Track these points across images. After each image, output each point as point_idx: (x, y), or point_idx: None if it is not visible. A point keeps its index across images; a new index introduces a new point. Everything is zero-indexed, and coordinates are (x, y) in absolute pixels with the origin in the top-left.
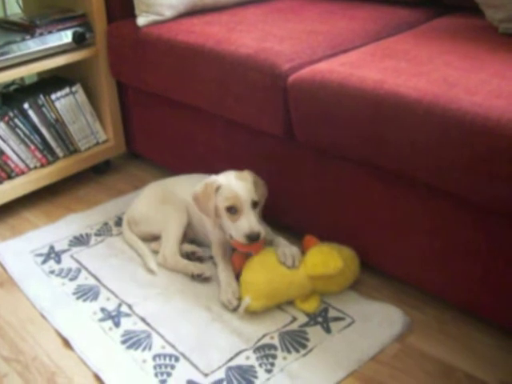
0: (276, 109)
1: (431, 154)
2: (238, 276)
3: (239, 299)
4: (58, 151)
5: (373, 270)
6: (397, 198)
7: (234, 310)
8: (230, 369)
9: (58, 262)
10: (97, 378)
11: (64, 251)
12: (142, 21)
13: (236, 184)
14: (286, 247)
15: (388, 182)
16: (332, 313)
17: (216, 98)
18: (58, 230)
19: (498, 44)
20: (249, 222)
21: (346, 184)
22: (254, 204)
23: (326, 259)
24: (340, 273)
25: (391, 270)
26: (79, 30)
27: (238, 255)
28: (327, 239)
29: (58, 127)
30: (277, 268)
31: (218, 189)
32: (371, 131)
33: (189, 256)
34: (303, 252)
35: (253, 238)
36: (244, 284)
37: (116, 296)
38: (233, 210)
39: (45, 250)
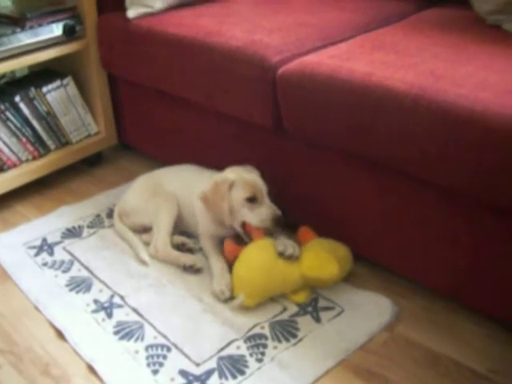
0: (265, 101)
1: (418, 146)
2: (230, 265)
3: (231, 291)
4: (50, 144)
5: (362, 259)
6: (385, 188)
7: (226, 301)
8: (221, 358)
9: (51, 254)
10: (90, 368)
11: (57, 243)
12: (132, 13)
13: (249, 176)
14: (284, 239)
15: (376, 173)
16: (322, 302)
17: (206, 90)
18: (50, 223)
19: (486, 36)
20: (270, 207)
21: (335, 175)
22: (269, 193)
23: (323, 264)
24: (333, 278)
25: (380, 260)
26: (69, 22)
27: (231, 245)
28: (318, 230)
29: (50, 120)
30: (273, 266)
31: (231, 186)
32: (359, 123)
33: (179, 247)
34: (298, 244)
35: (278, 220)
36: (238, 278)
37: (108, 287)
38: (253, 200)
39: (37, 243)
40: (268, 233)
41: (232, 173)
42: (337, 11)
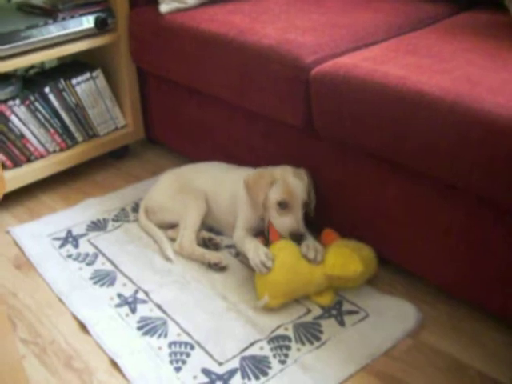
0: (297, 101)
1: (451, 153)
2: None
3: (273, 260)
4: (77, 135)
5: (387, 264)
6: (414, 194)
7: (269, 269)
8: (244, 358)
9: (76, 246)
10: (113, 363)
11: (81, 236)
12: (164, 8)
13: (293, 181)
14: (310, 241)
15: (406, 178)
16: (346, 306)
17: (237, 89)
18: (75, 215)
19: None
20: (296, 220)
21: (364, 178)
22: (305, 205)
23: (347, 262)
24: (359, 276)
25: (406, 265)
26: (101, 15)
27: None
28: (343, 232)
29: (78, 112)
30: (296, 267)
31: (272, 182)
32: (392, 128)
33: (205, 242)
34: (322, 245)
35: (296, 237)
36: (262, 279)
37: (133, 282)
38: (283, 206)
39: (62, 234)
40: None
41: (280, 171)
42: (370, 12)
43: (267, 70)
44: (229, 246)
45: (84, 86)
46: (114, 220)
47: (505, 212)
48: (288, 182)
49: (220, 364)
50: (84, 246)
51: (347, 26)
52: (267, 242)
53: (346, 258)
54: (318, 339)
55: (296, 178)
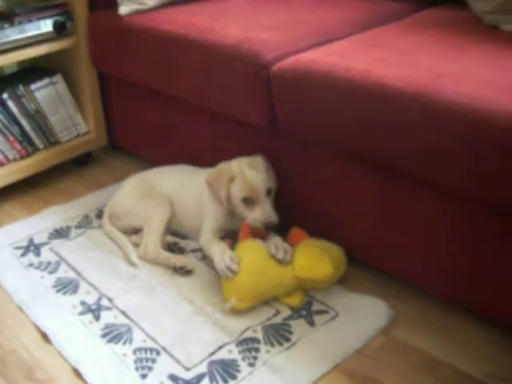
0: (260, 99)
1: (416, 145)
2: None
3: (238, 263)
4: (38, 143)
5: (356, 262)
6: (382, 189)
7: (234, 273)
8: (212, 363)
9: (38, 254)
10: (76, 372)
11: (43, 244)
12: (123, 9)
13: (250, 174)
14: (278, 240)
15: (373, 172)
16: (316, 306)
17: (199, 89)
18: (37, 223)
19: (484, 35)
20: (265, 211)
21: (330, 176)
22: (269, 192)
23: (316, 263)
24: (329, 278)
25: (375, 263)
26: (60, 18)
27: (244, 227)
28: (311, 231)
29: (38, 118)
30: (264, 268)
31: (232, 179)
32: (356, 121)
33: (170, 247)
34: (290, 245)
35: (269, 226)
36: (228, 281)
37: (96, 289)
38: (248, 201)
39: (24, 243)
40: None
41: (237, 165)
42: (334, 10)
43: (228, 69)
44: (194, 250)
45: (44, 92)
46: (77, 227)
47: (473, 204)
48: (246, 177)
49: (187, 369)
50: (46, 255)
51: (310, 23)
52: (230, 244)
53: (315, 260)
54: (288, 340)
55: (252, 169)
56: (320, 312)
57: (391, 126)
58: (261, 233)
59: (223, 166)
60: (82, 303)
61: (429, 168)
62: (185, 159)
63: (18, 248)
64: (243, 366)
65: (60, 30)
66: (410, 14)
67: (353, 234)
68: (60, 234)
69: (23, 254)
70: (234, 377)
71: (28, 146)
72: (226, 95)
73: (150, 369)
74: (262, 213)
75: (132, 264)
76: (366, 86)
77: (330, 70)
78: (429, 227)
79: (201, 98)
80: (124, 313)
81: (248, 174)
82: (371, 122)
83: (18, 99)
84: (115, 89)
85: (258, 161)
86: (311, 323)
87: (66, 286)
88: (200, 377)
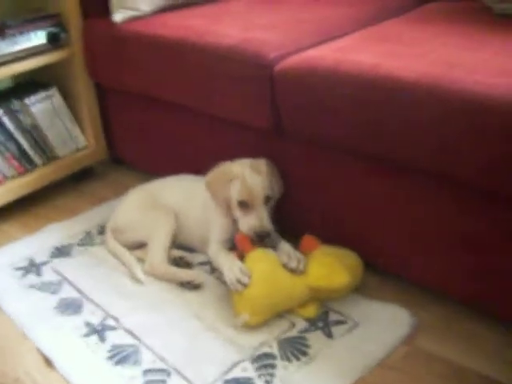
0: (263, 101)
1: (432, 138)
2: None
3: (249, 276)
4: (36, 159)
5: (373, 268)
6: (396, 190)
7: (245, 286)
8: (226, 382)
9: (39, 274)
10: None
11: (44, 263)
12: (118, 17)
13: (250, 178)
14: (289, 249)
15: (386, 173)
16: (333, 316)
17: (200, 94)
18: (37, 242)
19: (494, 25)
20: (259, 218)
21: (340, 178)
22: (267, 199)
23: (331, 273)
24: (345, 287)
25: (393, 268)
26: (53, 30)
27: (244, 238)
28: (324, 238)
29: (35, 133)
30: (276, 279)
31: (231, 180)
32: (367, 118)
33: (177, 261)
34: (302, 254)
35: (261, 236)
36: (239, 295)
37: (101, 309)
38: (244, 205)
39: (24, 263)
40: (270, 246)
41: (238, 166)
42: (335, 7)
43: (229, 72)
44: (203, 263)
45: (40, 106)
46: (79, 244)
47: (493, 200)
48: (246, 180)
49: None
50: (47, 274)
51: (311, 21)
52: (240, 254)
53: (330, 269)
54: (306, 354)
55: (254, 173)
56: (338, 322)
57: (406, 121)
58: (254, 243)
59: (224, 166)
60: (87, 324)
61: (447, 163)
62: (188, 169)
63: (18, 269)
64: None
65: (54, 42)
66: (415, 7)
67: (368, 238)
68: (61, 252)
69: (23, 275)
70: None
71: (26, 163)
72: (228, 99)
73: None
74: (256, 220)
75: (137, 281)
76: (376, 80)
77: (336, 66)
78: (447, 228)
79: (202, 104)
80: (131, 332)
81: (248, 176)
82: (384, 118)
83: (13, 115)
84: (113, 100)
85: (262, 165)
86: (329, 335)
87: (69, 307)
88: None
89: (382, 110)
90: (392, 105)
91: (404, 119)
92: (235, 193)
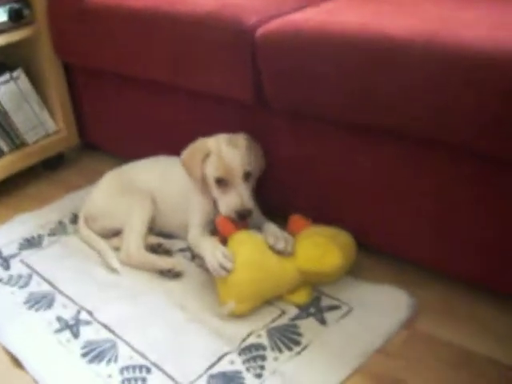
0: (244, 70)
1: (429, 100)
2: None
3: (232, 260)
4: (3, 145)
5: (367, 248)
6: (385, 160)
7: (228, 271)
8: (212, 377)
9: (7, 268)
10: None
11: (13, 256)
12: None
13: (227, 152)
14: (275, 229)
15: (376, 142)
16: (326, 301)
17: (175, 67)
18: (5, 233)
19: None
20: (239, 196)
21: (327, 152)
22: (247, 175)
23: (322, 254)
24: (338, 270)
25: (389, 247)
26: (15, 6)
27: (225, 220)
28: (313, 218)
29: (1, 118)
30: (262, 263)
31: (206, 156)
32: (357, 83)
33: (154, 249)
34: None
35: (242, 215)
36: (224, 282)
37: (74, 302)
38: (222, 183)
39: None
40: (255, 226)
41: (214, 141)
42: None
43: (206, 40)
44: (183, 250)
45: (4, 89)
46: (50, 235)
47: (494, 165)
48: (222, 155)
49: None
50: (16, 267)
51: None
52: (222, 238)
53: (321, 249)
54: (298, 343)
55: (231, 147)
56: (331, 308)
57: (399, 84)
58: (237, 224)
59: (198, 143)
60: (59, 319)
61: (444, 127)
62: (165, 151)
63: None
64: (249, 379)
65: (16, 19)
66: None
67: (359, 216)
68: (31, 243)
69: None
70: None
71: None
72: (206, 70)
73: None
74: (236, 198)
75: (113, 270)
76: (366, 40)
77: (321, 28)
78: (446, 197)
79: (179, 78)
80: (106, 326)
81: (225, 151)
82: (375, 83)
83: None
84: (84, 80)
85: (240, 138)
86: (322, 321)
87: (40, 301)
88: None
89: (374, 74)
90: (384, 67)
91: (397, 82)
92: (211, 169)
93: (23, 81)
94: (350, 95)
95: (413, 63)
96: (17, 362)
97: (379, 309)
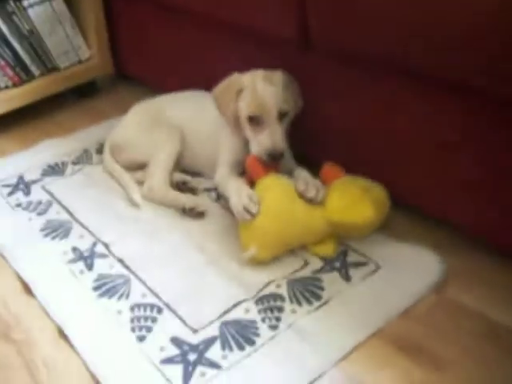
0: (288, 5)
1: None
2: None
3: (259, 203)
4: (34, 69)
5: (402, 207)
6: (438, 114)
7: (253, 215)
8: (225, 324)
9: (27, 193)
10: (60, 331)
11: (35, 181)
12: None
13: (263, 89)
14: (307, 176)
15: (429, 93)
16: (352, 257)
17: None
18: (30, 158)
19: None
20: (272, 136)
21: (375, 100)
22: (282, 115)
23: (354, 205)
24: (369, 224)
25: (425, 207)
26: None
27: (255, 161)
28: (349, 169)
29: (33, 40)
30: (290, 210)
31: (240, 91)
32: (420, 20)
33: (179, 187)
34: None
35: (274, 156)
36: (247, 227)
37: (91, 233)
38: (255, 121)
39: (13, 181)
40: (286, 172)
41: (249, 77)
42: None
43: None
44: (208, 190)
45: (38, 9)
46: (74, 163)
47: None
48: (256, 91)
49: (194, 331)
50: (36, 194)
51: None
52: (250, 180)
53: (353, 201)
54: (319, 298)
55: (267, 83)
56: (358, 264)
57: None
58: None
59: (233, 77)
60: (74, 249)
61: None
62: (200, 86)
63: (5, 186)
64: (263, 329)
65: None
66: None
67: (398, 172)
68: (54, 170)
69: (11, 193)
70: (251, 342)
71: (22, 73)
72: (246, 3)
73: (148, 330)
74: (269, 137)
75: (134, 204)
76: None
77: None
78: (492, 158)
79: (220, 10)
80: (122, 261)
81: (260, 87)
82: (439, 18)
83: (8, 17)
84: (121, 7)
85: (277, 75)
86: (347, 278)
87: (56, 230)
88: (210, 341)
89: (429, 11)
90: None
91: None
92: (244, 106)
93: (58, 2)
94: (408, 34)
95: None
96: (27, 289)
97: (408, 270)
